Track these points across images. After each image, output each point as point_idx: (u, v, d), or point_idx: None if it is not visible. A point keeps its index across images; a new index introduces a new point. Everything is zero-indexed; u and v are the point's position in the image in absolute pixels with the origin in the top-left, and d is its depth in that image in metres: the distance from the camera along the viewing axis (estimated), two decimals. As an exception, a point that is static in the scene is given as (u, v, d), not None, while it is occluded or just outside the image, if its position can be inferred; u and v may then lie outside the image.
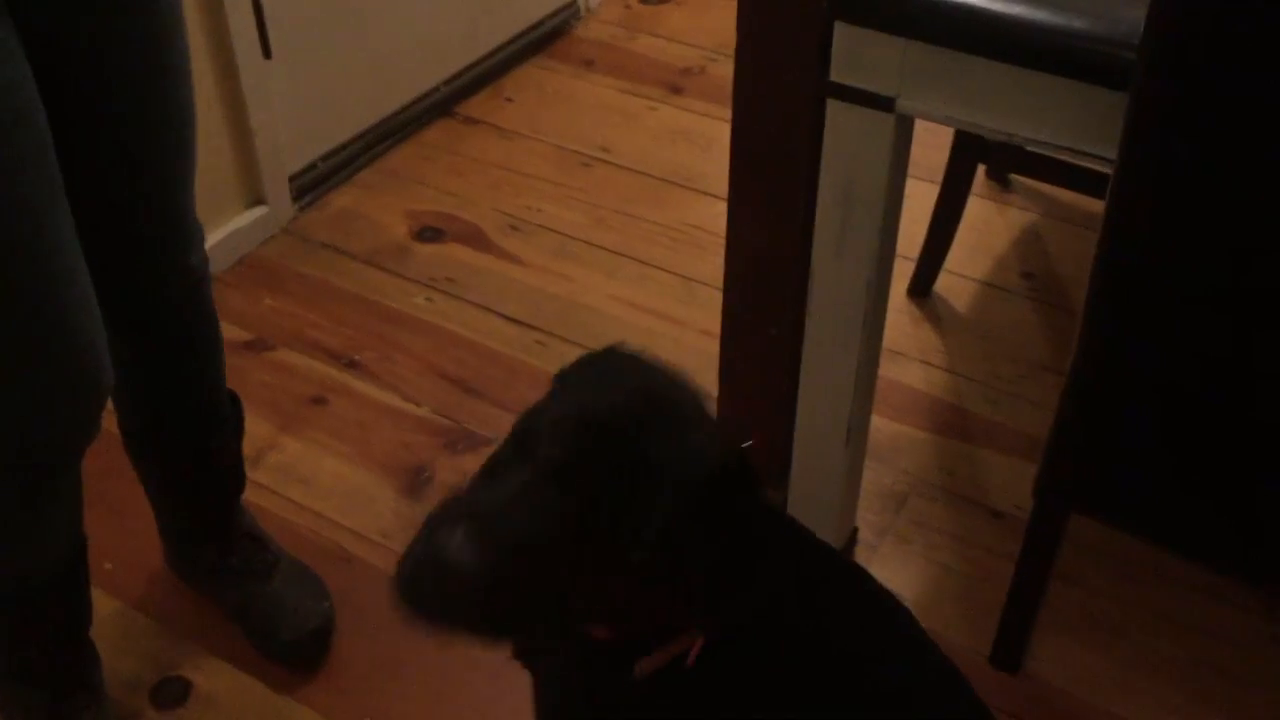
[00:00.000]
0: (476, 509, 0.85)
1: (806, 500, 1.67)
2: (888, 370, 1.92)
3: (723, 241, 1.55)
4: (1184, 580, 1.67)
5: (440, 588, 0.84)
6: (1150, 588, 1.67)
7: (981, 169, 2.31)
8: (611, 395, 0.89)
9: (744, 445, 0.99)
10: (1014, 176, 2.42)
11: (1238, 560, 1.36)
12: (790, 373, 1.57)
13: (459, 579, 0.83)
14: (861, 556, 1.73)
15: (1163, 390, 1.28)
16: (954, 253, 2.16)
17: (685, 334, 2.09)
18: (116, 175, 1.23)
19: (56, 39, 1.10)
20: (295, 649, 1.56)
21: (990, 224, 2.33)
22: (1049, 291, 2.18)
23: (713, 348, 1.78)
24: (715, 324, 1.71)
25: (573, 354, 2.02)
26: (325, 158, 2.44)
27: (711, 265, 2.21)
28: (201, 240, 1.37)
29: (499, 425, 1.93)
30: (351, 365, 2.05)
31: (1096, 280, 1.23)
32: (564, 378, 0.96)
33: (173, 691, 1.54)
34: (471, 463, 1.87)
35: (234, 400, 1.54)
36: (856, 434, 1.59)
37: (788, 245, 1.49)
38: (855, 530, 1.75)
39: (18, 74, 1.04)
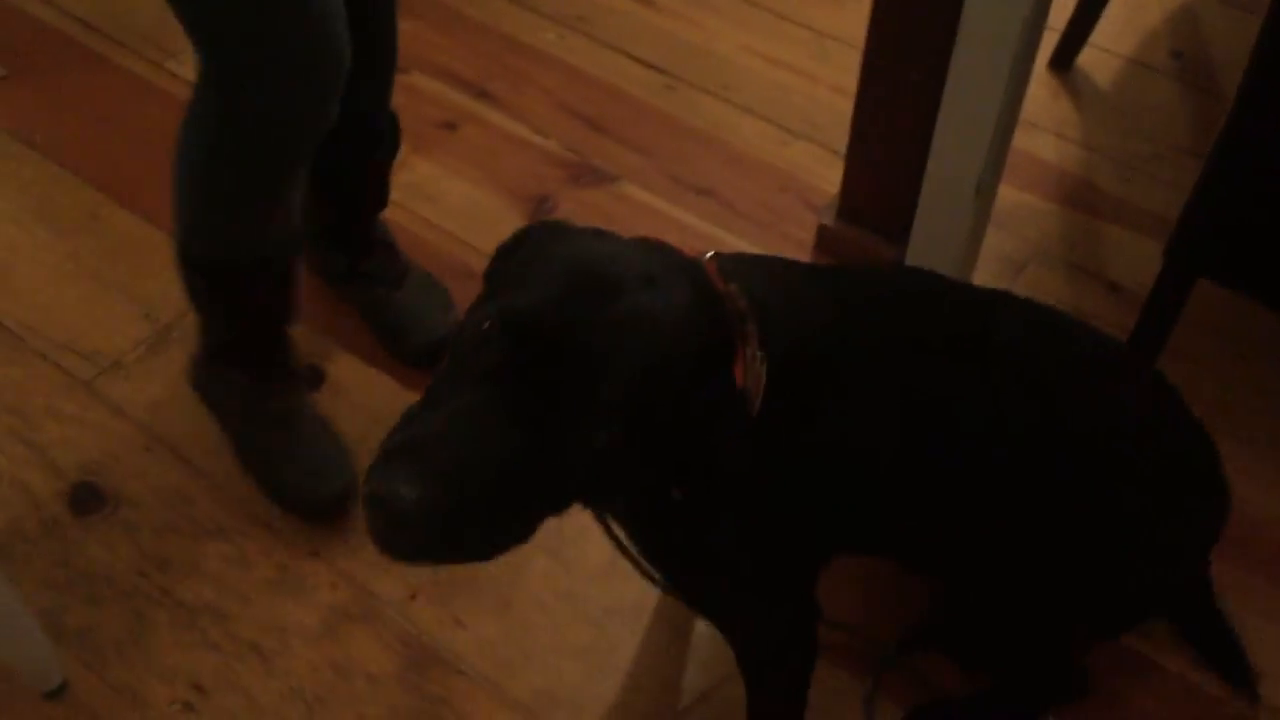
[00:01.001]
0: (415, 440, 0.78)
1: (925, 258, 1.68)
2: (1019, 141, 1.88)
3: (861, -2, 1.52)
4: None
5: (401, 532, 0.77)
6: (1258, 368, 1.67)
7: (1143, -60, 2.20)
8: (535, 288, 0.81)
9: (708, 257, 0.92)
10: (1176, -48, 2.30)
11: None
12: (926, 121, 1.56)
13: (412, 523, 0.75)
14: (973, 318, 1.75)
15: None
16: (1102, 26, 2.08)
17: (817, 89, 2.07)
18: None
19: None
20: (422, 352, 1.64)
21: None
22: (1198, 73, 2.10)
23: (843, 104, 1.77)
24: (847, 81, 1.69)
25: (702, 100, 2.06)
26: (462, -115, 2.40)
27: (848, 21, 2.17)
28: None
29: (624, 163, 1.95)
30: (482, 95, 2.07)
31: (1260, 49, 1.19)
32: (490, 275, 0.90)
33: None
34: (595, 197, 1.90)
35: (394, 119, 1.57)
36: (986, 189, 1.58)
37: (940, -14, 1.45)
38: (970, 292, 1.76)
39: None
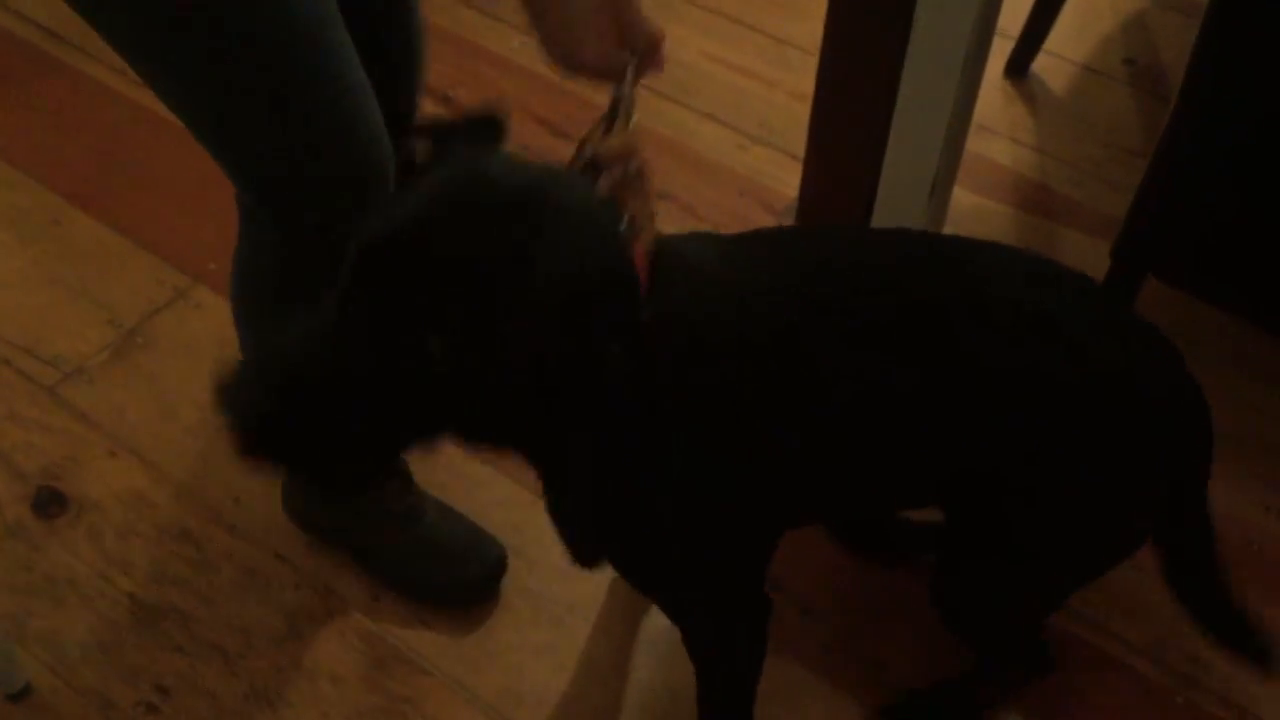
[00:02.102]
0: (261, 360, 0.83)
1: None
2: (975, 145, 1.92)
3: (819, 5, 1.55)
4: (1237, 360, 1.70)
5: (255, 442, 0.81)
6: (1209, 365, 1.69)
7: (1095, -52, 2.24)
8: (392, 209, 0.81)
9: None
10: (1127, -40, 2.35)
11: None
12: (882, 125, 1.59)
13: (257, 432, 0.80)
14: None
15: (1247, 166, 1.29)
16: (1056, 33, 2.12)
17: (775, 95, 2.10)
18: None
19: None
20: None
21: (1096, 7, 2.27)
22: (1149, 79, 2.14)
23: (801, 110, 1.79)
24: (805, 87, 1.72)
25: (662, 106, 2.08)
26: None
27: (806, 29, 2.20)
28: None
29: (586, 168, 1.97)
30: (446, 100, 2.08)
31: (1198, 53, 1.23)
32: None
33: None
34: (558, 202, 1.92)
35: None
36: (941, 190, 1.61)
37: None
38: (926, 293, 1.79)
39: None
